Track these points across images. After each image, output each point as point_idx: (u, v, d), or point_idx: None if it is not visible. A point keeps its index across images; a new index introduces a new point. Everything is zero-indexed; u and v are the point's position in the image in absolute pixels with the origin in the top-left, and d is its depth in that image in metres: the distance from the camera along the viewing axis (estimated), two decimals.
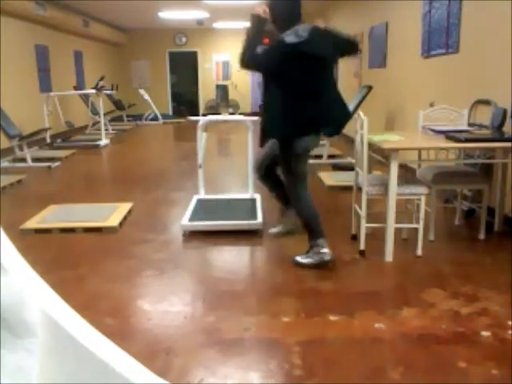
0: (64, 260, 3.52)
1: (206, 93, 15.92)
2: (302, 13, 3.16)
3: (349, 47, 3.36)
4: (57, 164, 7.33)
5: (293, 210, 3.49)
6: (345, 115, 3.28)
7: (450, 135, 3.39)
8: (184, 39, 15.82)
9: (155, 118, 13.86)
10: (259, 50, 3.12)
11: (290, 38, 3.02)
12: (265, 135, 3.35)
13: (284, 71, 3.07)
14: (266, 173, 3.67)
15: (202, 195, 4.81)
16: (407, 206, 3.70)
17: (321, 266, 3.22)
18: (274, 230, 3.82)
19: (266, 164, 3.65)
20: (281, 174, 3.51)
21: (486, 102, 4.23)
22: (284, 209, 3.71)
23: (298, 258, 3.29)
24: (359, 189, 3.52)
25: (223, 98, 10.32)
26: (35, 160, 7.38)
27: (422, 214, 3.35)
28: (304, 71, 3.06)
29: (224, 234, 3.86)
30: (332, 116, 3.21)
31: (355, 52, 3.43)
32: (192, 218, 4.08)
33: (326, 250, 3.21)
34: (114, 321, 2.59)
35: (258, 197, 4.64)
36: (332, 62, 3.37)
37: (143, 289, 3.04)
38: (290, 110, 3.11)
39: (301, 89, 3.11)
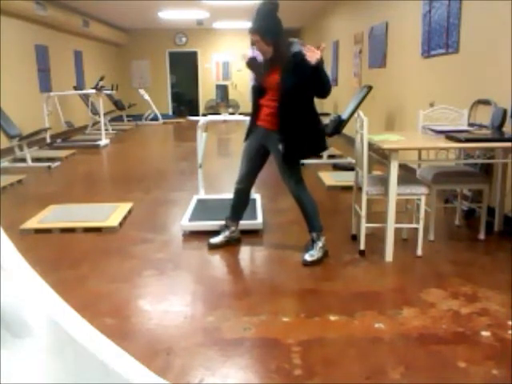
0: (64, 260, 3.52)
1: (206, 93, 15.92)
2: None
3: None
4: (57, 164, 7.33)
5: (234, 225, 3.64)
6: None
7: (450, 135, 3.39)
8: (184, 39, 15.82)
9: (155, 118, 13.86)
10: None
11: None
12: (289, 156, 3.26)
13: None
14: (247, 186, 3.55)
15: (202, 195, 4.81)
16: (407, 206, 3.70)
17: (322, 264, 3.29)
18: (215, 240, 3.67)
19: (249, 179, 3.53)
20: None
21: (486, 102, 4.23)
22: (228, 221, 3.64)
23: (308, 258, 3.32)
24: (359, 189, 3.52)
25: (223, 98, 10.29)
26: (35, 160, 7.39)
27: (421, 214, 3.35)
28: None
29: None
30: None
31: None
32: (192, 218, 4.08)
33: (324, 241, 3.40)
34: (114, 321, 2.59)
35: (257, 197, 4.65)
36: None
37: (143, 289, 3.04)
38: (317, 126, 3.33)
39: (313, 106, 3.31)
